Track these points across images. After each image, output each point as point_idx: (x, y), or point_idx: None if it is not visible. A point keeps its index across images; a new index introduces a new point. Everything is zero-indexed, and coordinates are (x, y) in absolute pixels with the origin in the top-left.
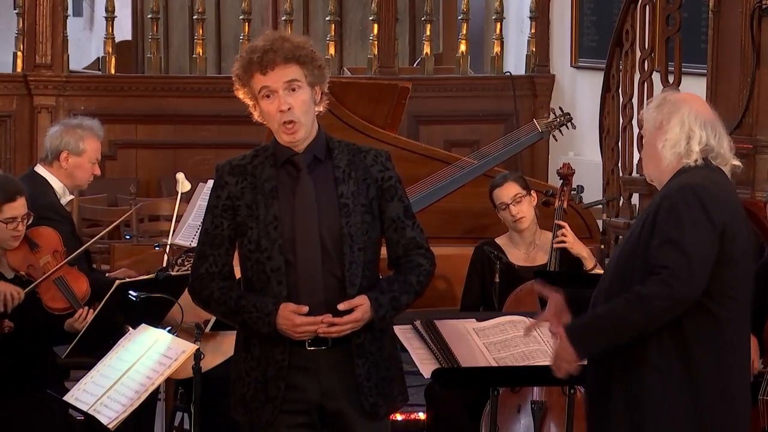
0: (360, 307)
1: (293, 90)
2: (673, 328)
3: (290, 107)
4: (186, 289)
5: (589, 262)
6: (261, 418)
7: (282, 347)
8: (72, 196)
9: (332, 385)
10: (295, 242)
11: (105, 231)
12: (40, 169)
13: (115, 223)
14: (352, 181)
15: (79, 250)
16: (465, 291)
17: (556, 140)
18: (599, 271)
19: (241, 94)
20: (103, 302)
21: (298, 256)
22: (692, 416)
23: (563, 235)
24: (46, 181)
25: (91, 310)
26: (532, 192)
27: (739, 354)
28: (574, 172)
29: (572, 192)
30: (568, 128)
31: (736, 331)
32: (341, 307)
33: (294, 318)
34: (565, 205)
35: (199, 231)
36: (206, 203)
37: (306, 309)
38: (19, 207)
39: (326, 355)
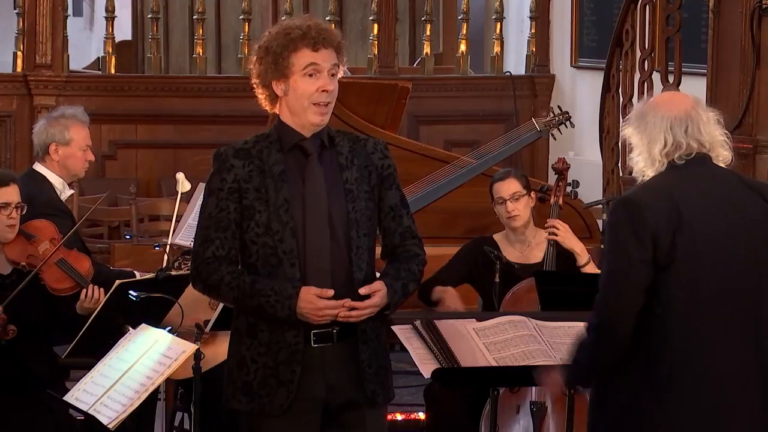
0: (379, 292)
1: (333, 75)
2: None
3: (333, 89)
4: (185, 290)
5: (582, 257)
6: (274, 404)
7: (295, 331)
8: (72, 191)
9: (337, 380)
10: (306, 226)
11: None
12: (37, 167)
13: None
14: (355, 168)
15: (73, 229)
16: (444, 267)
17: (554, 139)
18: (592, 268)
19: (261, 65)
20: (103, 302)
21: (307, 240)
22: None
23: (554, 227)
24: (45, 177)
25: (102, 289)
26: (531, 193)
27: (695, 350)
28: (569, 167)
29: (567, 187)
30: (567, 127)
31: (690, 329)
32: (363, 291)
33: (318, 301)
34: (560, 201)
35: None
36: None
37: (332, 293)
38: (12, 192)
39: (332, 351)
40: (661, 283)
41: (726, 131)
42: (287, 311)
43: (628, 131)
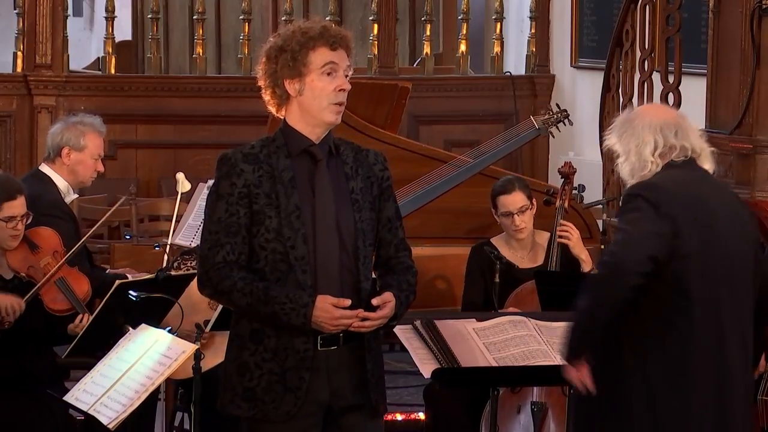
0: (389, 304)
1: (346, 75)
2: (631, 326)
3: (348, 89)
4: (185, 291)
5: (587, 265)
6: (279, 410)
7: (305, 338)
8: (76, 195)
9: (341, 383)
10: (316, 234)
11: (101, 222)
12: (44, 168)
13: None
14: (359, 178)
15: (76, 247)
16: (467, 289)
17: (553, 137)
18: None
19: (276, 64)
20: (103, 302)
21: (318, 248)
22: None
23: (567, 230)
24: (50, 179)
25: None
26: (533, 201)
27: (695, 351)
28: (575, 171)
29: (573, 191)
30: (565, 125)
31: (691, 327)
32: (375, 302)
33: (334, 311)
34: (566, 204)
35: (199, 230)
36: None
37: (348, 302)
38: (18, 206)
39: (336, 355)
40: (683, 275)
41: (711, 148)
42: (302, 319)
43: (612, 140)
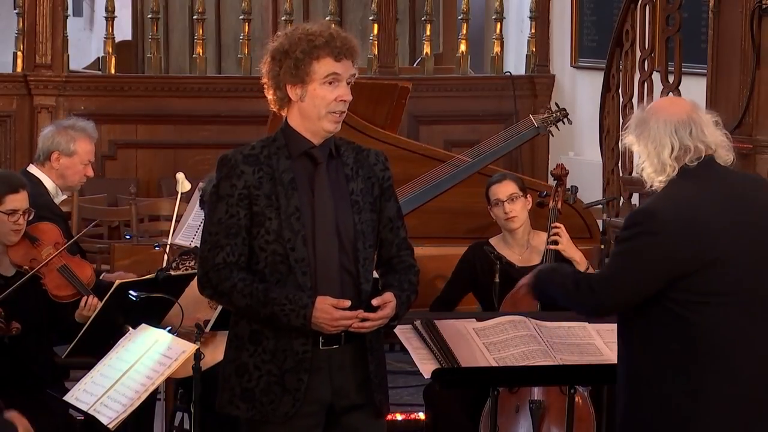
0: (389, 304)
1: (348, 83)
2: (647, 336)
3: (350, 98)
4: (185, 290)
5: (581, 265)
6: (278, 411)
7: (303, 339)
8: (64, 196)
9: (343, 383)
10: (315, 235)
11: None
12: (32, 169)
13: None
14: (360, 179)
15: (77, 236)
16: (448, 283)
17: (552, 135)
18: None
19: (279, 67)
20: (103, 302)
21: (317, 250)
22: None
23: (557, 234)
24: (39, 180)
25: (97, 299)
26: (528, 195)
27: (721, 357)
28: (567, 173)
29: (567, 192)
30: (564, 123)
31: (717, 334)
32: (375, 302)
33: (333, 312)
34: (559, 205)
35: (199, 230)
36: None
37: (348, 303)
38: (21, 199)
39: (338, 354)
40: (690, 289)
41: (726, 132)
42: (302, 320)
43: (630, 139)
